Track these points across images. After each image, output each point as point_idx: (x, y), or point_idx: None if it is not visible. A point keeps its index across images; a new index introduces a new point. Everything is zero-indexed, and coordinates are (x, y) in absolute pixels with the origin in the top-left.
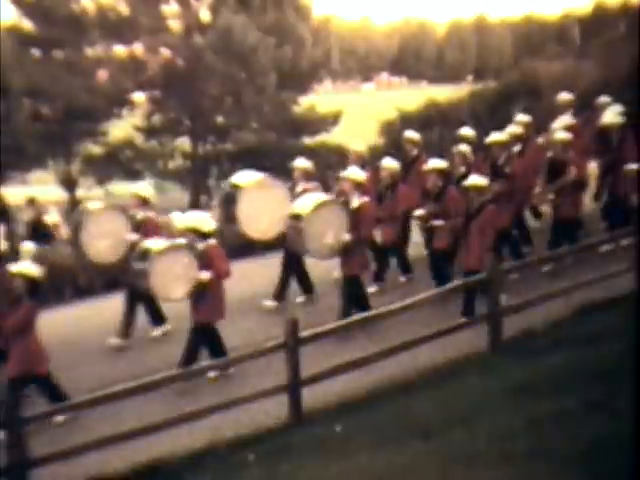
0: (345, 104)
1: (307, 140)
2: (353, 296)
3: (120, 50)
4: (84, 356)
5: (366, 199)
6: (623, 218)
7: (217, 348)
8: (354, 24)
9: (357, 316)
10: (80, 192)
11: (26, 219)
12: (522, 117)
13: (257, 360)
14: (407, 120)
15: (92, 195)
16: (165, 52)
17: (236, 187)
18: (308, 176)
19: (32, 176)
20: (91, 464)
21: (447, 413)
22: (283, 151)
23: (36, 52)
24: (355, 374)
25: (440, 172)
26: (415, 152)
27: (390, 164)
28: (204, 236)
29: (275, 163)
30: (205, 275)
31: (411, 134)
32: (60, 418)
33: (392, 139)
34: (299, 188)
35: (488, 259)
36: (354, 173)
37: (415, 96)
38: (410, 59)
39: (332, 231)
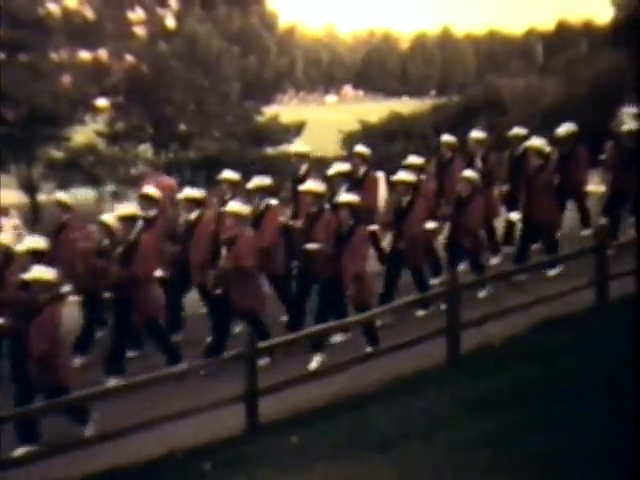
0: (308, 115)
1: (269, 150)
2: None
3: (84, 55)
4: None
5: None
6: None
7: None
8: (319, 32)
9: (318, 327)
10: (41, 196)
11: None
12: (229, 174)
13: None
14: (370, 133)
15: (53, 200)
16: (129, 58)
17: None
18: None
19: None
20: (44, 471)
21: (405, 425)
22: (245, 160)
23: (0, 55)
24: (313, 385)
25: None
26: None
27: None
28: None
29: (237, 172)
30: None
31: (189, 193)
32: None
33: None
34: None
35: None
36: None
37: (379, 109)
38: (374, 72)
39: None
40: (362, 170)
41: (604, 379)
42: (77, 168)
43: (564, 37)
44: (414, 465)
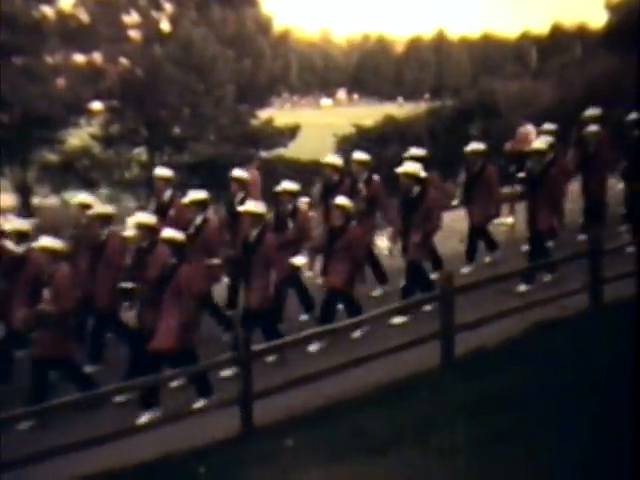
0: (303, 119)
1: (264, 153)
2: None
3: (79, 58)
4: None
5: None
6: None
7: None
8: (313, 36)
9: (313, 330)
10: (35, 200)
11: None
12: (83, 197)
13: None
14: (364, 136)
15: (47, 203)
16: (124, 61)
17: None
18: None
19: None
20: (39, 475)
21: (399, 429)
22: (240, 164)
23: None
24: (308, 389)
25: None
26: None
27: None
28: None
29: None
30: None
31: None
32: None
33: (349, 155)
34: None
35: None
36: None
37: (373, 113)
38: (369, 76)
39: None
40: (239, 197)
41: (599, 381)
42: (72, 171)
43: (558, 41)
44: (409, 468)
